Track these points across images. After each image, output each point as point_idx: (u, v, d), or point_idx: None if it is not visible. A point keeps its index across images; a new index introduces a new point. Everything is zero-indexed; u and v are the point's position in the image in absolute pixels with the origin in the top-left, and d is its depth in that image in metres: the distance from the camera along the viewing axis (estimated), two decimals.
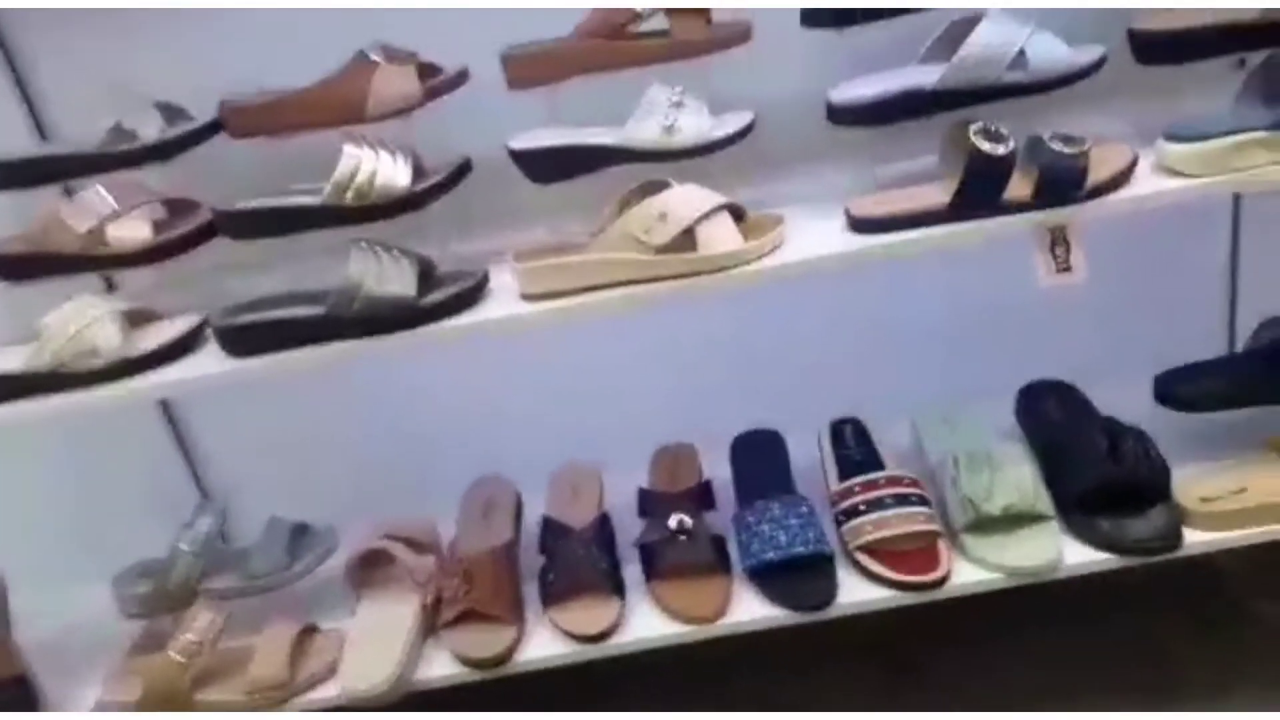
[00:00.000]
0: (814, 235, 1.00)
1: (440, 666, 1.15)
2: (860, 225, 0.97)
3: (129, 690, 1.17)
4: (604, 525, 1.23)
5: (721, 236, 0.95)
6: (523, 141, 1.07)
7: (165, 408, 1.42)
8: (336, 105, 1.09)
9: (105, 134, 1.16)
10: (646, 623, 1.15)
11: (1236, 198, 1.30)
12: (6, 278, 1.17)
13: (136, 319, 1.13)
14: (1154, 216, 1.00)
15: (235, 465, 1.45)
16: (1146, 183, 0.98)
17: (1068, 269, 0.91)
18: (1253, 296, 1.36)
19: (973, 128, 0.92)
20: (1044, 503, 1.10)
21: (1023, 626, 1.29)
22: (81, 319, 1.08)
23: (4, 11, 1.17)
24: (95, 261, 1.15)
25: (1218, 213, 1.32)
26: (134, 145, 1.15)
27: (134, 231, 1.15)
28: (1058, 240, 0.91)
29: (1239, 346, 1.32)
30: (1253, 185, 0.99)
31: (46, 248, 1.14)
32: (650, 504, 1.23)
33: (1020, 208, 0.93)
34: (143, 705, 1.16)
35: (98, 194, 1.13)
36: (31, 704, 1.18)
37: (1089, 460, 1.09)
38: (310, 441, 1.43)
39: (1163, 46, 1.02)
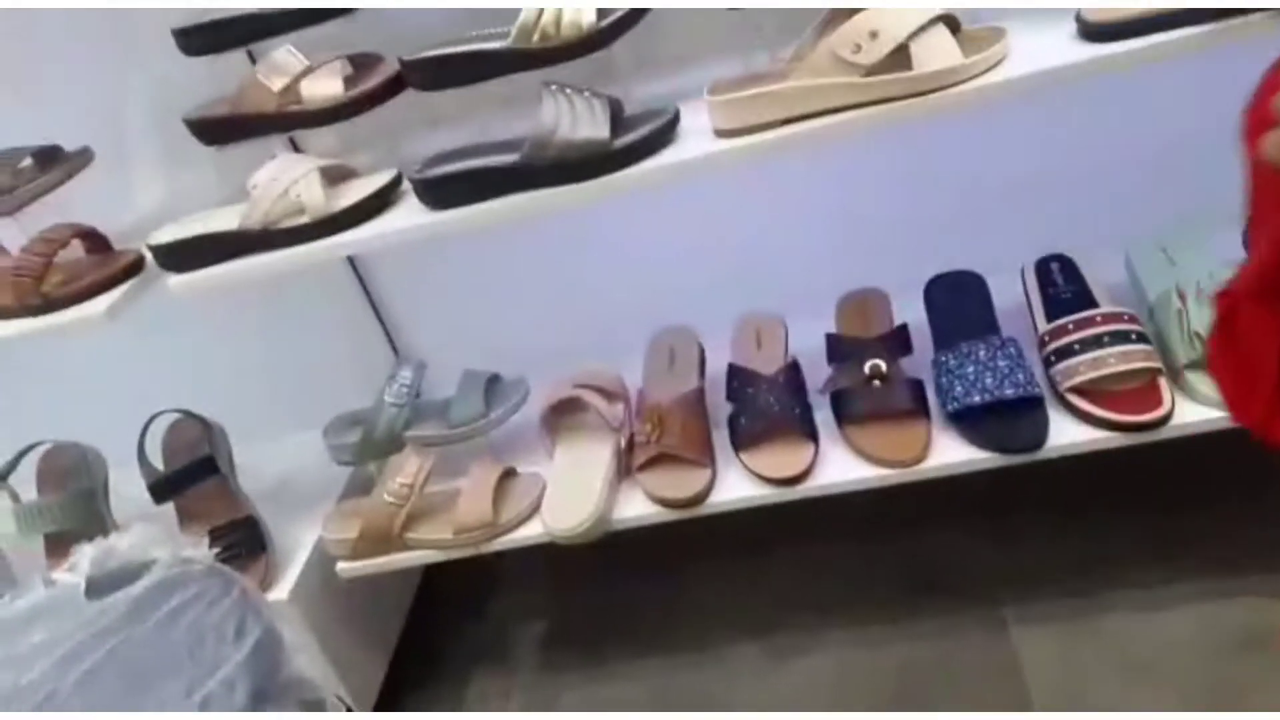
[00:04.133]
0: (1040, 48, 0.91)
1: (636, 507, 1.18)
2: (1096, 32, 0.88)
3: (347, 529, 1.25)
4: (794, 370, 1.21)
5: (940, 52, 0.89)
6: None
7: (356, 268, 1.46)
8: None
9: None
10: (841, 466, 1.14)
11: None
12: (211, 141, 1.20)
13: (334, 176, 1.16)
14: None
15: (426, 324, 1.50)
16: None
17: None
18: None
19: None
20: None
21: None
22: (288, 177, 1.11)
23: None
24: (292, 119, 1.17)
25: None
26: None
27: (326, 88, 1.16)
28: None
29: None
30: None
31: (245, 109, 1.17)
32: (841, 350, 1.20)
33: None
34: (359, 543, 1.24)
35: (289, 52, 1.15)
36: (260, 542, 1.27)
37: None
38: (496, 298, 1.46)
39: None
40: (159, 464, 1.35)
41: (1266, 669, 1.07)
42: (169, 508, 1.32)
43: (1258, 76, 0.60)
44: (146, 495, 1.32)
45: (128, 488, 1.34)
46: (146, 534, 1.08)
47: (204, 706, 0.73)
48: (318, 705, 0.81)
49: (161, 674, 0.77)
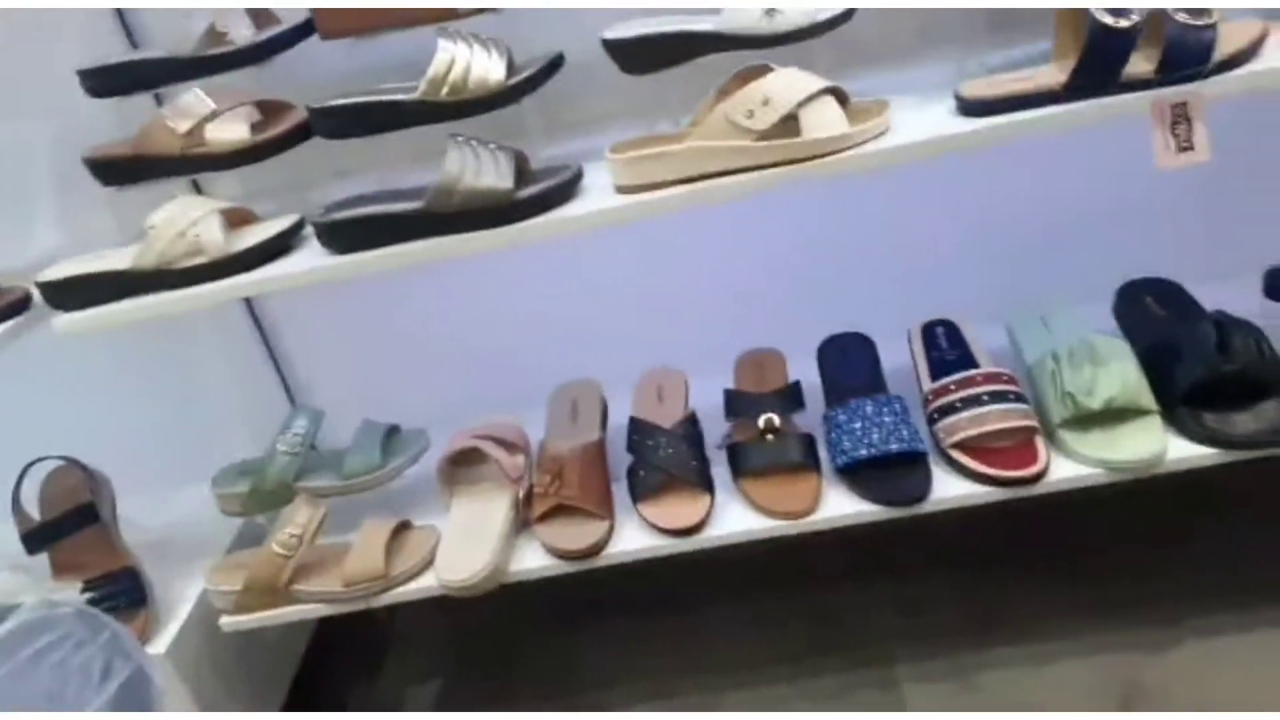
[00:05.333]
0: (921, 121, 0.98)
1: (533, 559, 1.18)
2: (971, 108, 0.95)
3: (232, 581, 1.21)
4: (692, 424, 1.24)
5: (826, 121, 0.94)
6: (617, 31, 1.06)
7: (255, 315, 1.45)
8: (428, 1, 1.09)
9: (198, 38, 1.17)
10: (736, 518, 1.15)
11: None
12: (110, 181, 1.19)
13: (235, 219, 1.15)
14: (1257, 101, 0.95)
15: (325, 375, 1.49)
16: (1277, 57, 0.93)
17: (1189, 148, 0.88)
18: None
19: (1093, 3, 0.89)
20: (1147, 398, 1.08)
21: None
22: (187, 218, 1.10)
23: None
24: (195, 162, 1.17)
25: None
26: (227, 48, 1.17)
27: (231, 132, 1.16)
28: (1179, 119, 0.88)
29: None
30: None
31: (147, 150, 1.16)
32: (737, 405, 1.23)
33: (1141, 85, 0.90)
34: (245, 596, 1.20)
35: (196, 96, 1.15)
36: (140, 594, 1.22)
37: (1198, 354, 1.07)
38: (398, 350, 1.46)
39: None
40: (35, 514, 1.29)
41: None
42: (43, 559, 1.26)
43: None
44: (18, 546, 1.26)
45: (2, 541, 1.28)
46: (13, 580, 1.04)
47: None
48: None
49: (22, 715, 0.74)
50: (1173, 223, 1.27)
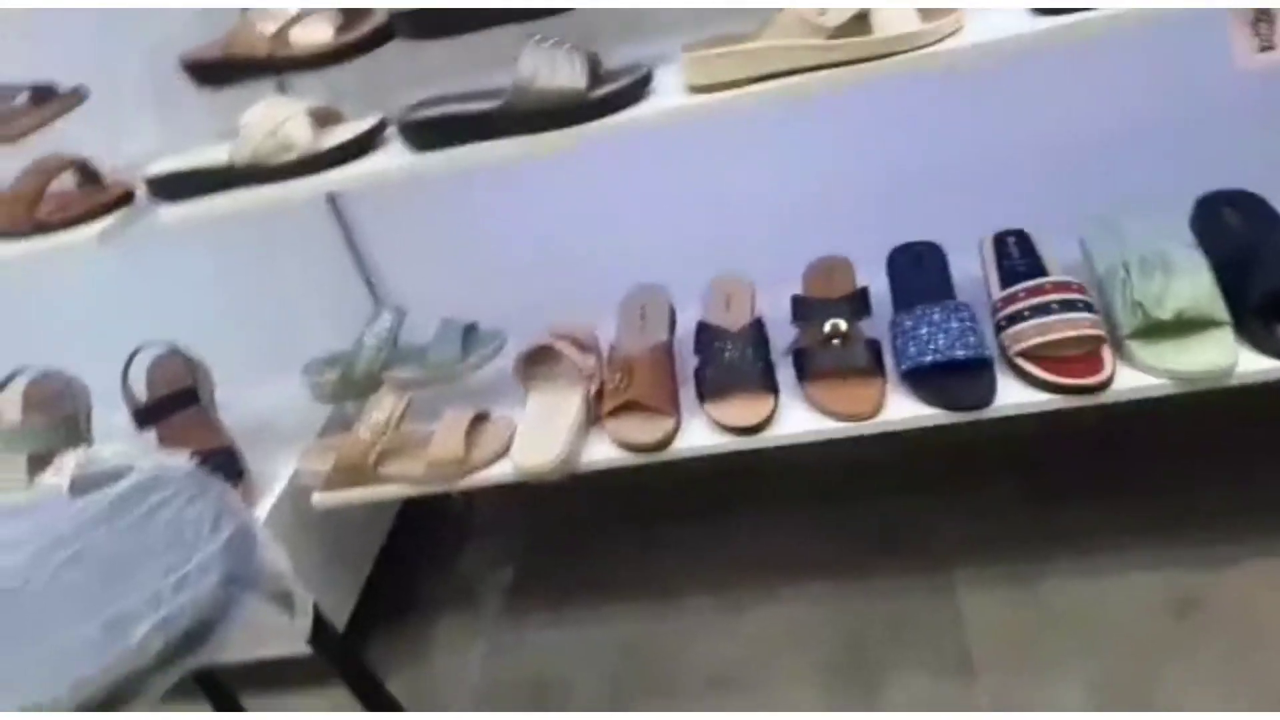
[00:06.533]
0: (994, 21, 0.96)
1: (603, 452, 1.23)
2: (1047, 8, 0.93)
3: (322, 462, 1.30)
4: (758, 328, 1.26)
5: (899, 18, 0.93)
6: None
7: (340, 216, 1.50)
8: None
9: None
10: (799, 419, 1.18)
11: None
12: (203, 82, 1.24)
13: (322, 118, 1.19)
14: None
15: (406, 274, 1.54)
16: None
17: (1271, 47, 0.86)
18: None
19: None
20: (1220, 309, 1.07)
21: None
22: (277, 116, 1.15)
23: None
24: (281, 63, 1.21)
25: None
26: None
27: (316, 34, 1.20)
28: (1261, 16, 0.85)
29: None
30: None
31: (236, 51, 1.21)
32: (804, 310, 1.25)
33: None
34: (334, 475, 1.28)
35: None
36: (237, 471, 1.32)
37: (1273, 264, 1.05)
38: (476, 253, 1.50)
39: None
40: (142, 397, 1.39)
41: (1195, 633, 1.13)
42: (150, 438, 1.36)
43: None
44: (128, 426, 1.36)
45: (110, 422, 1.38)
46: (128, 446, 1.13)
47: (180, 587, 0.79)
48: (287, 597, 0.85)
49: (140, 559, 0.82)
50: (1256, 135, 1.22)
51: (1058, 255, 1.24)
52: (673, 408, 1.23)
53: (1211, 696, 1.06)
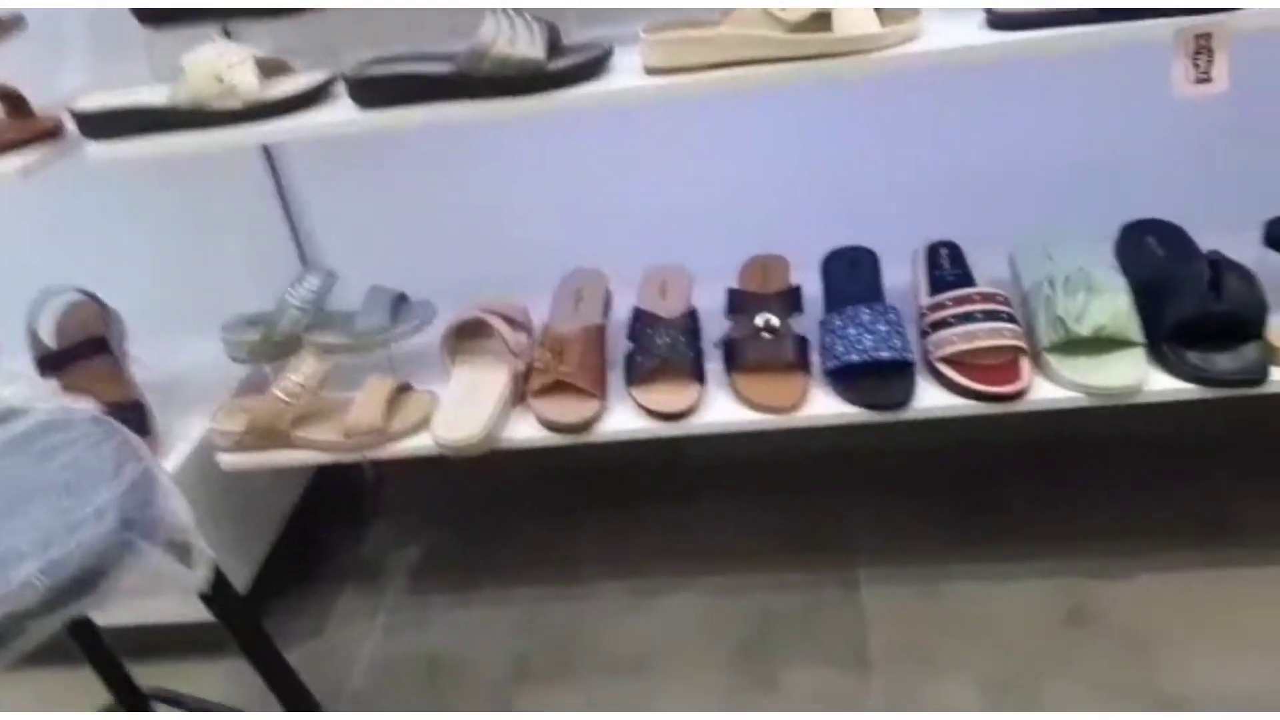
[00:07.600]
0: (950, 32, 0.99)
1: (526, 430, 1.22)
2: (1000, 21, 0.96)
3: (235, 423, 1.26)
4: (692, 318, 1.27)
5: (859, 19, 0.96)
6: None
7: (276, 175, 1.47)
8: None
9: None
10: (723, 409, 1.19)
11: None
12: (146, 21, 1.21)
13: (269, 69, 1.17)
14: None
15: (339, 238, 1.51)
16: None
17: (1207, 79, 0.91)
18: None
19: None
20: (1135, 330, 1.11)
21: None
22: (223, 60, 1.12)
23: None
24: (231, 11, 1.18)
25: None
26: None
27: None
28: (1201, 49, 0.90)
29: None
30: None
31: None
32: (738, 303, 1.26)
33: (1169, 13, 0.92)
34: (246, 437, 1.25)
35: None
36: (144, 426, 1.27)
37: (1189, 291, 1.10)
38: (413, 222, 1.48)
39: None
40: (51, 343, 1.33)
41: (1083, 640, 1.17)
42: (54, 385, 1.31)
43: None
44: (33, 371, 1.30)
45: (13, 366, 1.32)
46: (28, 389, 1.08)
47: (72, 529, 0.75)
48: (184, 548, 0.82)
49: (33, 498, 0.78)
50: (1183, 170, 1.29)
51: (987, 269, 1.28)
52: (600, 390, 1.23)
53: (1095, 700, 1.10)
